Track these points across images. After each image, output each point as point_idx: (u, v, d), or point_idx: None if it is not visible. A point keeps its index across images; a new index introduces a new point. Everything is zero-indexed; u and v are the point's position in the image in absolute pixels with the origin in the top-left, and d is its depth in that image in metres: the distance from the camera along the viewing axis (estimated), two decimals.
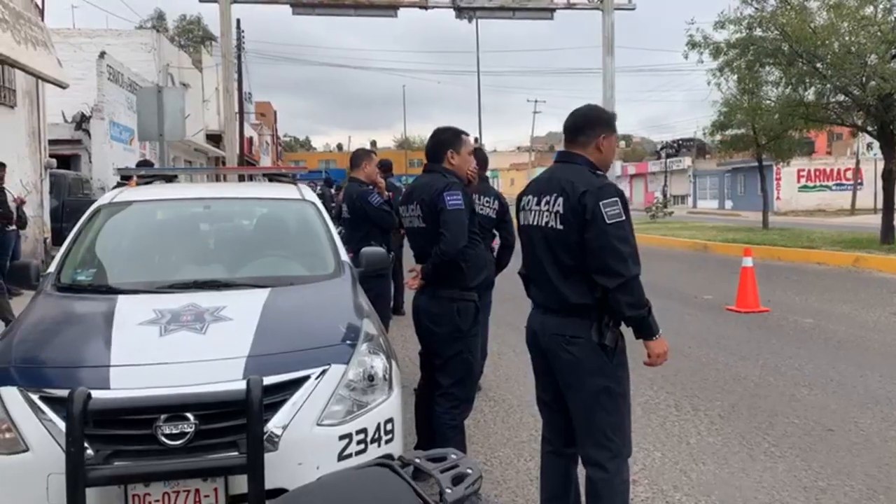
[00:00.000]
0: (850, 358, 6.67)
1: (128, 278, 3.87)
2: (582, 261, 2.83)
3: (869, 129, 15.98)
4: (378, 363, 3.24)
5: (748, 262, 9.32)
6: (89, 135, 18.54)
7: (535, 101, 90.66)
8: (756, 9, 15.05)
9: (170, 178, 5.47)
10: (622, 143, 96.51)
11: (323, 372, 3.02)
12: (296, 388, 2.94)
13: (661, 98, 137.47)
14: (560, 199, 2.88)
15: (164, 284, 3.72)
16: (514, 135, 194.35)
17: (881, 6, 14.67)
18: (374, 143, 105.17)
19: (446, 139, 4.03)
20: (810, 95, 15.85)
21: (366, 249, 4.37)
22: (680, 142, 56.93)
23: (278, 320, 3.29)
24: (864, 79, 13.78)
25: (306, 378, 2.97)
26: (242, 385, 2.72)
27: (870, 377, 6.00)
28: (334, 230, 4.36)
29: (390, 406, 3.18)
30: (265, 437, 2.80)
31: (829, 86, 14.95)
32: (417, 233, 3.94)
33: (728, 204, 45.80)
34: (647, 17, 38.93)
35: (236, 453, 2.74)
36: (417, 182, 4.03)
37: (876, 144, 17.60)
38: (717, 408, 5.32)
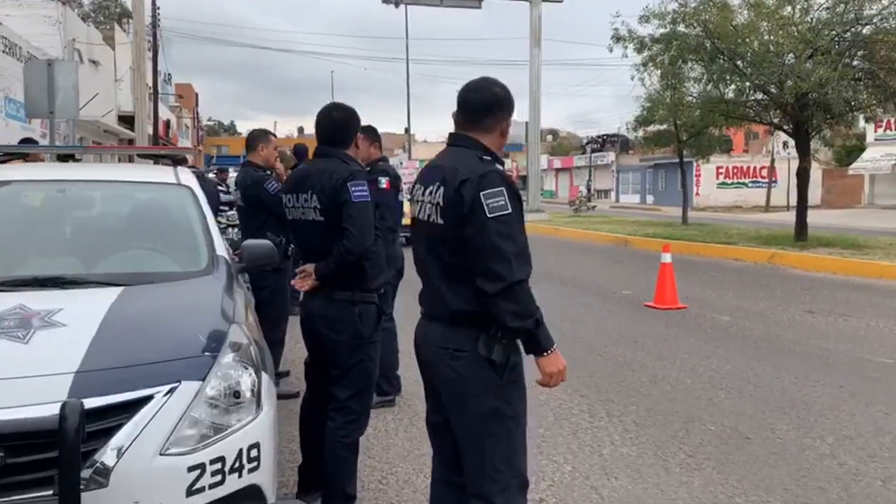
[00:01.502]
0: (766, 358, 6.54)
1: None
2: (466, 261, 2.43)
3: (785, 127, 16.28)
4: (245, 377, 2.77)
5: (667, 258, 9.20)
6: None
7: None
8: (680, 4, 15.06)
9: (64, 158, 4.80)
10: (549, 137, 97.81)
11: (171, 390, 2.53)
12: (135, 411, 2.44)
13: (589, 93, 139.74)
14: (441, 189, 2.48)
15: None
16: (443, 125, 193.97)
17: (798, 7, 14.89)
18: (301, 130, 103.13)
19: (356, 118, 3.58)
20: (730, 93, 16.01)
21: (248, 242, 3.87)
22: (605, 137, 57.84)
23: (123, 327, 2.76)
24: (781, 77, 13.95)
25: (149, 398, 2.48)
26: (57, 410, 2.21)
27: (785, 379, 5.86)
28: (211, 219, 3.84)
29: (257, 428, 2.71)
30: (93, 470, 2.31)
31: (748, 84, 15.11)
32: (310, 227, 3.44)
33: (650, 199, 46.79)
34: (576, 11, 39.10)
35: (51, 492, 2.23)
36: (312, 168, 3.55)
37: (792, 143, 18.00)
38: (632, 413, 5.04)
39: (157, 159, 4.81)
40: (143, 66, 23.77)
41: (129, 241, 3.72)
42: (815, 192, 35.62)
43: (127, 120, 28.25)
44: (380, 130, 5.39)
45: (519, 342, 2.50)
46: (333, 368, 3.45)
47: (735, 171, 43.13)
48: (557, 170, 62.01)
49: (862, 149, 35.82)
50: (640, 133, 22.62)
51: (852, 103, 14.08)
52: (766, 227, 20.30)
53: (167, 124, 36.91)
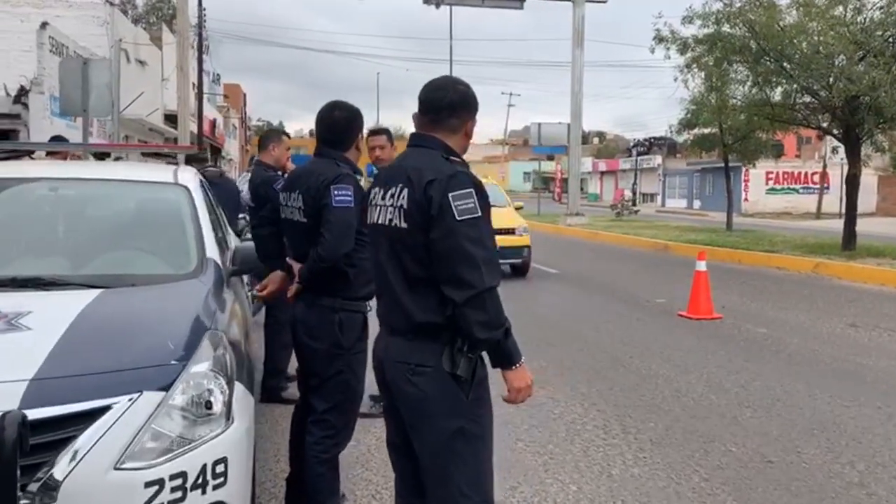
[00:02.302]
0: (800, 374, 6.20)
1: None
2: (430, 268, 2.27)
3: (834, 132, 15.66)
4: (215, 388, 2.64)
5: (702, 266, 8.85)
6: (28, 109, 17.57)
7: (510, 94, 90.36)
8: (724, 4, 14.59)
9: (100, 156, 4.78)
10: (595, 140, 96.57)
11: (132, 400, 2.41)
12: (91, 422, 2.33)
13: (637, 95, 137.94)
14: (405, 191, 2.31)
15: None
16: (488, 127, 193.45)
17: (851, 6, 14.29)
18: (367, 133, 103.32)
19: (359, 119, 3.46)
20: (777, 95, 15.47)
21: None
22: (651, 140, 56.84)
23: (91, 333, 2.66)
24: (830, 80, 13.40)
25: (107, 408, 2.36)
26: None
27: (819, 398, 5.53)
28: (206, 220, 3.73)
29: (225, 443, 2.58)
30: (40, 484, 2.21)
31: (795, 86, 14.57)
32: (296, 227, 3.36)
33: (696, 203, 45.77)
34: (622, 12, 38.55)
35: None
36: (304, 168, 3.45)
37: (841, 148, 17.32)
38: (649, 430, 4.79)
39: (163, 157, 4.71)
40: (187, 66, 24.09)
41: (119, 241, 3.64)
42: (870, 199, 34.40)
43: (172, 119, 28.68)
44: None
45: (484, 355, 2.34)
46: (311, 377, 3.34)
47: (785, 176, 41.89)
48: (602, 172, 61.19)
49: None
50: (686, 136, 22.06)
51: None
52: (813, 234, 19.60)
53: (213, 123, 37.46)
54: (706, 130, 21.12)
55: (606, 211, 34.47)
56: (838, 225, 16.71)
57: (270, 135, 5.52)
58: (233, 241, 4.98)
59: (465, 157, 2.49)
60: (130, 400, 2.40)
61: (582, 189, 58.86)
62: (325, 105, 3.42)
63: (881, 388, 5.84)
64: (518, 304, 9.54)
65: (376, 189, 2.48)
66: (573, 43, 24.83)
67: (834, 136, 16.18)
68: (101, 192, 3.87)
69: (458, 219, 2.19)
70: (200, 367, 2.66)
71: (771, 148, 24.24)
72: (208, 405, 2.62)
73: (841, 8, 14.27)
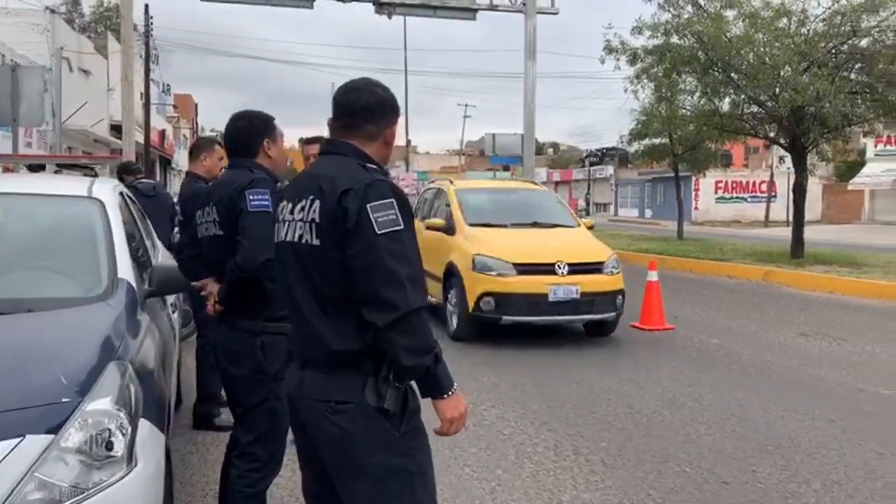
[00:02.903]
0: (753, 387, 6.11)
1: None
2: (347, 288, 2.02)
3: (781, 141, 15.89)
4: (117, 426, 2.36)
5: (653, 276, 8.77)
6: None
7: (466, 106, 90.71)
8: (673, 15, 14.71)
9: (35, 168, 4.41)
10: (550, 151, 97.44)
11: (13, 447, 2.12)
12: None
13: (590, 106, 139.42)
14: (316, 204, 2.07)
15: None
16: (445, 138, 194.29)
17: (795, 18, 14.53)
18: (301, 141, 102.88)
19: (261, 125, 3.23)
20: (725, 106, 15.65)
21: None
22: (604, 150, 57.47)
23: None
24: (776, 90, 13.57)
25: None
26: None
27: (772, 412, 5.42)
28: (121, 237, 3.42)
29: (127, 488, 2.29)
30: None
31: (743, 96, 14.74)
32: (212, 242, 3.12)
33: (648, 213, 46.40)
34: (576, 23, 38.88)
35: None
36: (217, 180, 3.23)
37: (787, 157, 17.60)
38: (601, 451, 4.60)
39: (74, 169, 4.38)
40: (132, 75, 23.38)
41: (21, 260, 3.31)
42: (815, 208, 35.19)
43: (119, 130, 27.90)
44: None
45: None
46: (236, 406, 3.07)
47: (734, 185, 42.74)
48: (556, 182, 61.62)
49: (863, 164, 35.43)
50: (636, 147, 22.25)
51: (849, 117, 13.66)
52: (762, 242, 19.85)
53: (162, 134, 36.59)
54: (656, 141, 21.30)
55: None
56: (786, 233, 16.93)
57: (202, 144, 5.21)
58: (164, 258, 4.67)
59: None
60: (10, 446, 2.11)
61: None
62: (231, 116, 3.25)
63: (834, 400, 5.77)
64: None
65: (284, 203, 2.22)
66: (525, 54, 24.79)
67: (781, 145, 16.43)
68: (5, 207, 3.53)
69: (379, 232, 1.96)
70: (100, 403, 2.38)
71: (720, 158, 24.64)
72: (109, 446, 2.33)
73: (785, 20, 14.52)
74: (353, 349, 2.03)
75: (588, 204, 48.48)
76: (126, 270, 3.27)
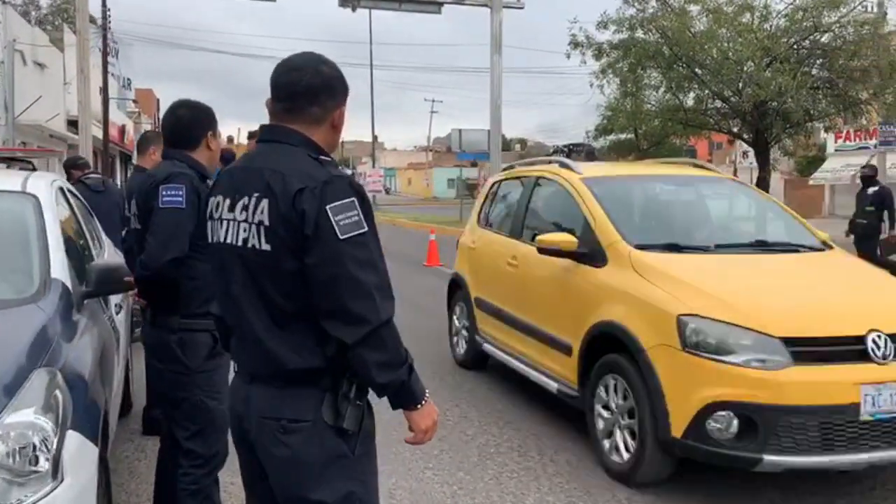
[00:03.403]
0: None
1: None
2: (304, 300, 1.82)
3: (745, 136, 16.03)
4: (40, 439, 2.18)
5: None
6: None
7: (433, 101, 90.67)
8: (638, 10, 14.73)
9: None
10: (517, 147, 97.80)
11: None
12: None
13: (558, 102, 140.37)
14: (265, 203, 1.84)
15: None
16: (413, 134, 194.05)
17: (757, 14, 14.64)
18: (250, 135, 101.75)
19: (205, 116, 3.07)
20: (689, 101, 15.74)
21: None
22: (571, 146, 57.64)
23: None
24: (740, 85, 13.67)
25: None
26: None
27: None
28: (56, 235, 3.22)
29: None
30: None
31: (707, 91, 14.84)
32: (132, 236, 3.13)
33: None
34: (543, 18, 38.94)
35: None
36: (146, 172, 3.15)
37: (751, 152, 17.77)
38: (568, 450, 4.50)
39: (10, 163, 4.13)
40: (88, 68, 22.79)
41: None
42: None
43: (76, 125, 27.24)
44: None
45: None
46: (165, 403, 3.03)
47: None
48: None
49: (823, 159, 36.03)
50: (602, 142, 22.32)
51: (811, 112, 13.86)
52: None
53: (122, 130, 35.84)
54: (622, 136, 21.39)
55: None
56: None
57: (150, 137, 4.98)
58: (109, 257, 4.45)
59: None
60: None
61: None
62: (170, 104, 3.11)
63: None
64: (435, 315, 9.22)
65: (219, 198, 1.97)
66: (492, 48, 24.68)
67: (744, 140, 16.59)
68: None
69: (342, 237, 1.76)
70: (23, 414, 2.21)
71: (684, 153, 24.84)
72: (33, 460, 2.16)
73: (748, 15, 14.63)
74: (310, 367, 1.84)
75: None
76: (60, 270, 3.07)
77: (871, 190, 10.27)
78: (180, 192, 2.78)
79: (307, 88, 1.92)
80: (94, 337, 3.07)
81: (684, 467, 3.88)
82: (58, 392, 2.36)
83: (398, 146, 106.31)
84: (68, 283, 3.05)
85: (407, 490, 3.89)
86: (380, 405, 1.98)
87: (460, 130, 30.08)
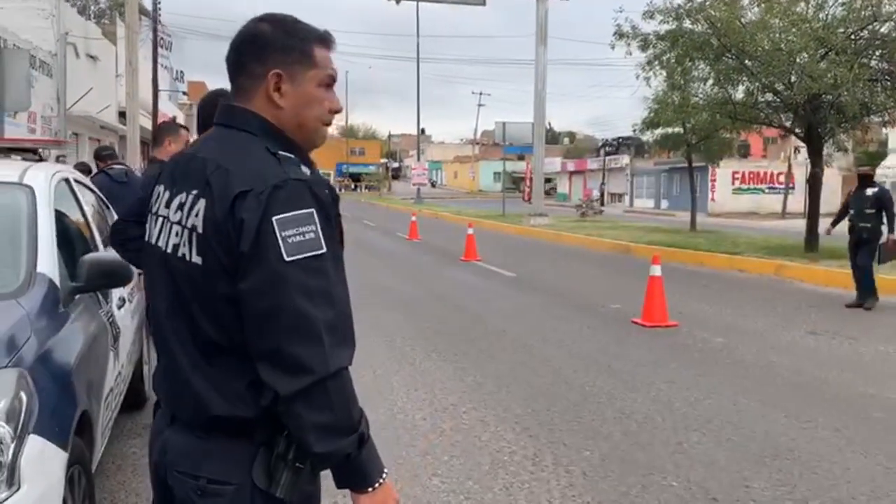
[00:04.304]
0: (754, 390, 5.74)
1: None
2: (237, 332, 1.43)
3: (797, 131, 15.39)
4: None
5: (656, 270, 8.39)
6: None
7: (480, 94, 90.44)
8: None
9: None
10: (566, 140, 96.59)
11: None
12: None
13: (608, 95, 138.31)
14: (201, 204, 1.46)
15: None
16: (461, 127, 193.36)
17: (812, 3, 14.02)
18: None
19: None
20: (738, 94, 15.18)
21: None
22: (620, 140, 56.80)
23: None
24: (792, 77, 13.11)
25: None
26: None
27: (772, 417, 5.07)
28: (47, 228, 3.13)
29: None
30: None
31: (757, 84, 14.27)
32: None
33: (664, 203, 45.73)
34: (591, 9, 38.20)
35: None
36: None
37: (804, 148, 17.09)
38: (583, 461, 4.27)
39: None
40: (136, 61, 23.22)
41: None
42: (834, 200, 34.37)
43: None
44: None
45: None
46: None
47: (751, 176, 41.96)
48: (571, 172, 61.04)
49: (884, 155, 34.63)
50: (648, 136, 21.78)
51: (868, 105, 13.18)
52: (778, 235, 19.37)
53: (173, 121, 36.47)
54: (670, 130, 20.82)
55: (573, 211, 34.15)
56: (802, 225, 16.45)
57: (167, 128, 4.93)
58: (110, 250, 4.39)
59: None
60: None
61: (553, 189, 58.79)
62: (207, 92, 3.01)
63: (840, 406, 5.40)
64: (465, 311, 9.05)
65: (160, 188, 1.61)
66: (537, 40, 24.44)
67: (796, 135, 15.94)
68: None
69: (288, 259, 1.37)
70: None
71: (737, 148, 24.11)
72: None
73: (803, 4, 14.02)
74: (240, 416, 1.46)
75: (602, 194, 47.94)
76: (47, 264, 2.98)
77: (870, 191, 9.50)
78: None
79: (234, 51, 1.55)
80: (81, 334, 2.98)
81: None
82: (22, 394, 2.26)
83: (446, 139, 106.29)
84: (55, 278, 2.97)
85: (411, 498, 3.72)
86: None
87: (504, 123, 29.87)
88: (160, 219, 1.58)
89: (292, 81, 1.52)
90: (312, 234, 1.39)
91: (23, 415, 2.22)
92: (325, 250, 1.40)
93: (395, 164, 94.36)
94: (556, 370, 6.29)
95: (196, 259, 1.46)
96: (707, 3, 14.07)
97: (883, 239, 9.25)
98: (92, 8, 42.65)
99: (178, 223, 1.51)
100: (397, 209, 39.25)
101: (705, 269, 13.74)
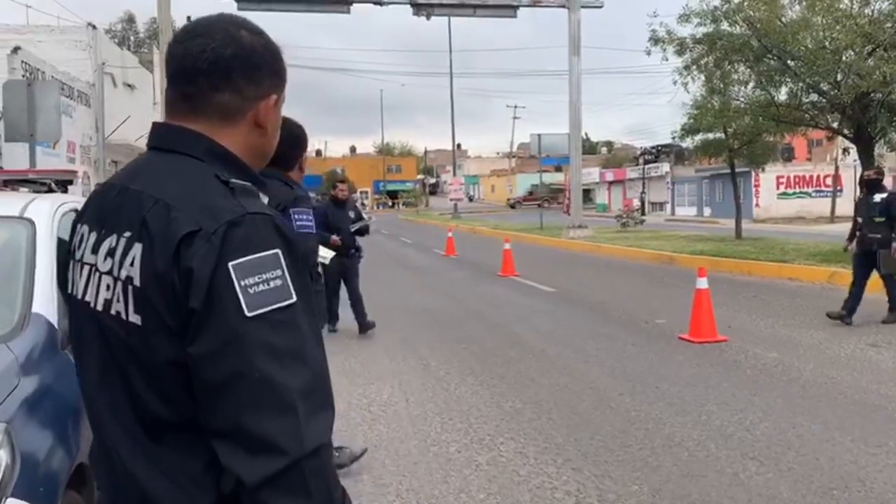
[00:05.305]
0: (816, 411, 5.33)
1: None
2: (187, 406, 1.15)
3: (845, 132, 14.79)
4: None
5: (703, 283, 7.98)
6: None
7: (515, 107, 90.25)
8: (722, 0, 13.80)
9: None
10: (603, 150, 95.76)
11: None
12: None
13: (645, 102, 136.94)
14: (137, 250, 1.17)
15: None
16: (497, 140, 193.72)
17: None
18: (353, 149, 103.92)
19: (301, 136, 3.32)
20: (781, 95, 14.66)
21: None
22: (659, 147, 55.88)
23: None
24: (838, 76, 12.58)
25: None
26: None
27: (838, 443, 4.66)
28: (46, 264, 2.95)
29: None
30: None
31: (801, 84, 13.75)
32: None
33: (707, 211, 44.80)
34: (624, 17, 37.80)
35: None
36: None
37: (852, 149, 16.42)
38: (632, 496, 3.94)
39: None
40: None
41: None
42: None
43: None
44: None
45: None
46: None
47: (797, 180, 40.87)
48: (610, 182, 60.29)
49: None
50: (689, 143, 21.25)
51: None
52: (828, 240, 18.62)
53: None
54: (710, 135, 20.27)
55: (613, 222, 33.58)
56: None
57: None
58: None
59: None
60: None
61: (591, 200, 58.11)
62: None
63: None
64: (503, 330, 8.75)
65: (84, 229, 1.31)
66: (570, 50, 24.14)
67: (844, 136, 15.31)
68: None
69: (249, 314, 1.10)
70: None
71: (781, 151, 23.39)
72: None
73: (847, 0, 13.47)
74: None
75: (643, 203, 47.18)
76: (45, 304, 2.78)
77: (878, 197, 8.71)
78: (311, 218, 2.81)
79: (212, 63, 1.22)
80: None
81: None
82: (1, 452, 2.05)
83: (482, 153, 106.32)
84: (54, 318, 2.77)
85: None
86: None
87: (539, 135, 29.53)
88: (86, 267, 1.27)
89: (275, 106, 1.32)
90: (279, 282, 1.12)
91: (1, 476, 2.00)
92: (294, 300, 1.13)
93: (432, 180, 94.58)
94: (599, 393, 5.95)
95: (134, 318, 1.16)
96: (745, 3, 13.62)
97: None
98: (132, 38, 43.72)
99: (109, 273, 1.21)
100: (434, 224, 39.16)
101: (754, 279, 13.21)
